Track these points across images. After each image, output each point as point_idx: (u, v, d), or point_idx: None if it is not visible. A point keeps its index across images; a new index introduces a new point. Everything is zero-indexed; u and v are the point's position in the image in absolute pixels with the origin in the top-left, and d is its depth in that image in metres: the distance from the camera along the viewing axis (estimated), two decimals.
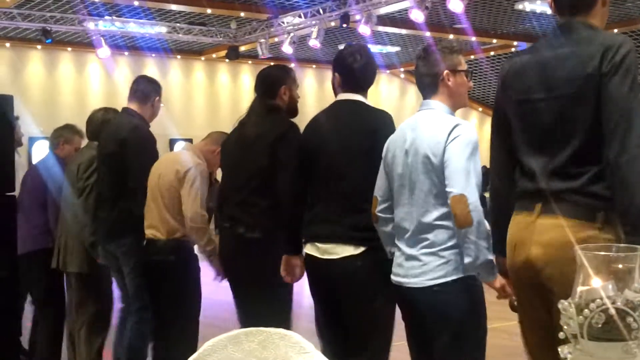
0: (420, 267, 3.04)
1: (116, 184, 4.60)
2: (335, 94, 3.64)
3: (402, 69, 20.15)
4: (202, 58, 18.82)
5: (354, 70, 3.56)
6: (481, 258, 2.91)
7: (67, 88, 17.68)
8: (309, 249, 3.60)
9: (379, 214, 3.25)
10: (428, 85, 3.17)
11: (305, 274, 3.84)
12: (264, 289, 3.94)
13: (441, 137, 2.98)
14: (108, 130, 4.81)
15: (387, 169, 3.21)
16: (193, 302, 4.43)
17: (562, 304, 1.10)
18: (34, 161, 5.58)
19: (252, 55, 17.88)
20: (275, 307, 3.88)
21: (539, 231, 2.65)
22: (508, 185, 2.85)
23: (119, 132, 4.66)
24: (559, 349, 1.13)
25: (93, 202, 4.85)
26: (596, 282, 1.09)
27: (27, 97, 15.84)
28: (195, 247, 4.46)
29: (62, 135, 5.52)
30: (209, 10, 14.38)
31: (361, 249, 3.40)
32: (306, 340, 1.26)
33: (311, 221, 3.59)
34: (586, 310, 1.07)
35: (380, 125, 3.42)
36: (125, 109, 4.80)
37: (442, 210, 2.98)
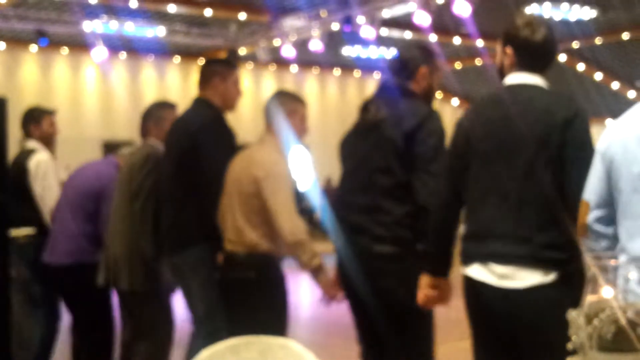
0: None
1: (185, 185, 3.98)
2: (502, 75, 2.92)
3: None
4: (201, 60, 18.55)
5: (533, 44, 2.84)
6: None
7: (62, 90, 17.40)
8: (477, 272, 2.81)
9: (592, 225, 2.45)
10: None
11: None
12: (399, 321, 3.29)
13: None
14: (177, 123, 4.21)
15: (609, 167, 2.43)
16: (277, 328, 3.64)
17: (571, 315, 1.08)
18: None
19: (252, 58, 17.63)
20: (418, 347, 3.33)
21: None
22: None
23: (190, 124, 4.07)
24: None
25: (153, 207, 4.22)
26: (607, 291, 1.06)
27: (22, 100, 15.48)
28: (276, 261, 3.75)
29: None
30: (208, 13, 14.12)
31: (553, 275, 2.64)
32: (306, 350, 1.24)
33: (480, 234, 2.83)
34: (595, 320, 1.05)
35: (570, 114, 2.70)
36: (196, 99, 4.32)
37: None
